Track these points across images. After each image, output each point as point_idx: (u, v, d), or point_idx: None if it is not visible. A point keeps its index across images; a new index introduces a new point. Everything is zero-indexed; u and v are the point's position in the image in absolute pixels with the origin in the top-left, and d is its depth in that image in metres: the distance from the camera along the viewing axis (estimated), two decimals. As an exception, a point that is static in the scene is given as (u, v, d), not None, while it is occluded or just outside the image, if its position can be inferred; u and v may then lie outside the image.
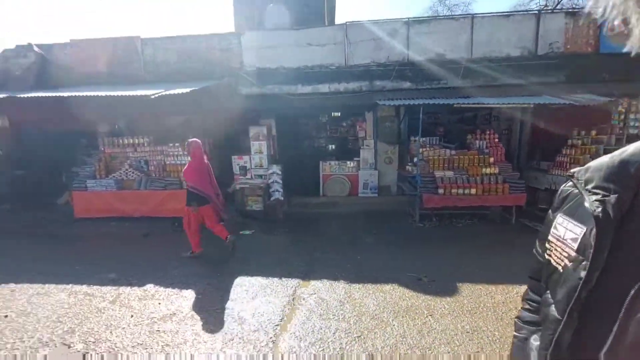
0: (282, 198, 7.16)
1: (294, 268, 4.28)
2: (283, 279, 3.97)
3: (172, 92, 5.93)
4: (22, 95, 6.75)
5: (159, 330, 3.00)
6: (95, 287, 3.86)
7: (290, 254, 4.86)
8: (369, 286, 3.73)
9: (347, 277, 3.95)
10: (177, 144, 6.74)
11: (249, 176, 7.24)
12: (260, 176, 7.18)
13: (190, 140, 4.73)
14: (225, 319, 3.17)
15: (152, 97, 5.86)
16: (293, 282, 3.89)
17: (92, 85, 7.69)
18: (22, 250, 5.35)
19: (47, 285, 3.95)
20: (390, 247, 5.09)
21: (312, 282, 3.86)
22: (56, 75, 8.03)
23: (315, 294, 3.59)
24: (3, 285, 4.01)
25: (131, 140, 7.02)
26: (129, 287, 3.83)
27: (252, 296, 3.59)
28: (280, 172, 7.11)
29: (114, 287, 3.85)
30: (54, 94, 6.50)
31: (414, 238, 5.55)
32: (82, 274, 4.21)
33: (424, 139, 6.46)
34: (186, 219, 4.66)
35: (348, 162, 8.18)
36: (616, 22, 0.59)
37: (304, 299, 3.49)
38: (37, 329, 3.06)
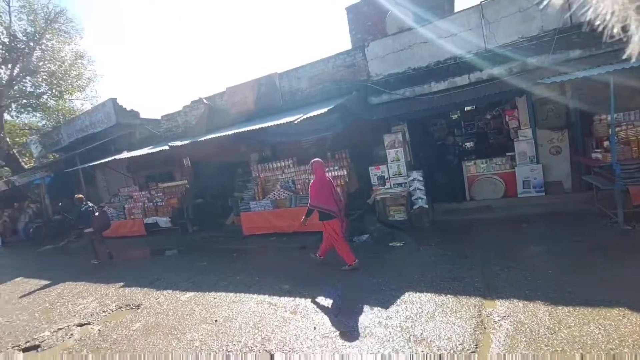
0: (427, 206, 6.68)
1: (467, 284, 3.77)
2: (459, 296, 3.51)
3: (311, 114, 6.34)
4: (199, 139, 8.43)
5: (344, 345, 3.00)
6: (275, 297, 4.26)
7: (456, 268, 4.34)
8: (584, 310, 2.91)
9: (545, 297, 3.20)
10: (318, 162, 7.15)
11: (387, 185, 7.05)
12: (400, 184, 6.90)
13: (312, 160, 5.06)
14: (408, 338, 2.94)
15: (295, 122, 6.40)
16: (473, 300, 3.39)
17: (243, 122, 9.04)
18: (211, 263, 6.47)
19: (238, 294, 4.58)
20: (591, 258, 3.97)
21: (499, 302, 3.28)
22: (218, 118, 9.81)
23: (509, 316, 3.00)
24: (207, 293, 4.86)
25: (279, 164, 7.86)
26: (303, 299, 4.07)
27: (428, 315, 3.27)
28: (421, 179, 6.68)
29: (290, 298, 4.15)
30: (219, 135, 7.84)
31: (622, 245, 4.22)
32: (262, 285, 4.75)
33: (618, 114, 4.98)
34: (331, 237, 4.88)
35: (497, 159, 7.12)
36: (615, 30, 0.61)
37: (495, 322, 2.96)
38: (241, 334, 3.50)
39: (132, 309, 4.79)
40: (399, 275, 4.39)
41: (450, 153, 7.84)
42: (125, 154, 10.51)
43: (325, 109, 6.05)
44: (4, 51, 15.21)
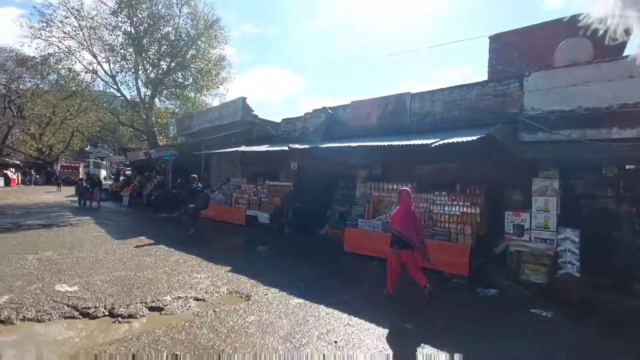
0: (578, 274, 5.40)
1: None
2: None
3: (452, 140, 5.74)
4: (320, 146, 8.52)
5: None
6: (396, 336, 3.71)
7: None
8: None
9: None
10: (443, 193, 6.48)
11: (525, 237, 5.95)
12: (545, 240, 5.74)
13: (401, 189, 5.44)
14: None
15: (433, 145, 5.88)
16: None
17: (363, 136, 8.86)
18: (311, 271, 6.22)
19: (352, 317, 4.16)
20: None
21: None
22: (337, 130, 9.86)
23: None
24: (317, 305, 4.54)
25: (395, 186, 7.39)
26: (436, 350, 3.43)
27: None
28: (577, 240, 5.45)
29: (417, 342, 3.56)
30: (343, 145, 7.72)
31: None
32: (378, 315, 4.21)
33: None
34: (389, 260, 5.08)
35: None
36: (618, 33, 0.60)
37: None
38: (368, 370, 3.04)
39: (242, 297, 4.79)
40: (565, 356, 3.42)
41: (623, 225, 6.08)
42: (244, 148, 11.33)
43: (475, 137, 5.39)
44: (168, 47, 18.34)
